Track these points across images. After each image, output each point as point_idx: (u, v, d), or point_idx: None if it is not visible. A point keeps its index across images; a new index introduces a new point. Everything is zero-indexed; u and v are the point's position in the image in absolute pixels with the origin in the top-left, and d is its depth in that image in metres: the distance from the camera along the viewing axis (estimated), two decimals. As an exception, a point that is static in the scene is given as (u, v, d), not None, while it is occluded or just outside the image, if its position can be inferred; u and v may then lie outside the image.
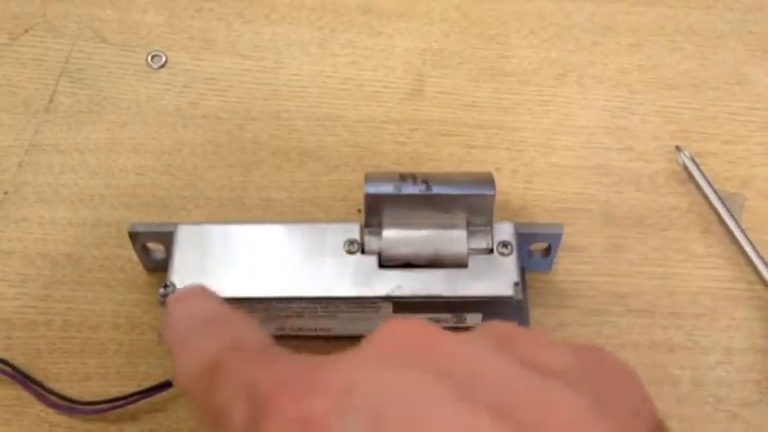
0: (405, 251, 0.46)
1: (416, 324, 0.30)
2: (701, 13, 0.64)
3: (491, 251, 0.47)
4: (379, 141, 0.58)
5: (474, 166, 0.56)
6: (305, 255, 0.47)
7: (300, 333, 0.48)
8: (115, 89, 0.60)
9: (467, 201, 0.47)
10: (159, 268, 0.50)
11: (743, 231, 0.52)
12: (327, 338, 0.49)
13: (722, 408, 0.48)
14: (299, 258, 0.47)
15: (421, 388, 0.27)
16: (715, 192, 0.53)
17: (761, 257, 0.51)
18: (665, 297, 0.51)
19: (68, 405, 0.47)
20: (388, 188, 0.47)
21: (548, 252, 0.50)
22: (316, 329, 0.48)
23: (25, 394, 0.48)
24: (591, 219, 0.54)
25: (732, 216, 0.52)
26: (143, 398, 0.47)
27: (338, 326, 0.48)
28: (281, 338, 0.49)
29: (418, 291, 0.46)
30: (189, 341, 0.35)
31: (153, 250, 0.50)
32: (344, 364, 0.29)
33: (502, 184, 0.48)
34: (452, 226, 0.47)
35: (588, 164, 0.56)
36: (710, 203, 0.53)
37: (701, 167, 0.54)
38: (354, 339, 0.49)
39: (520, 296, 0.45)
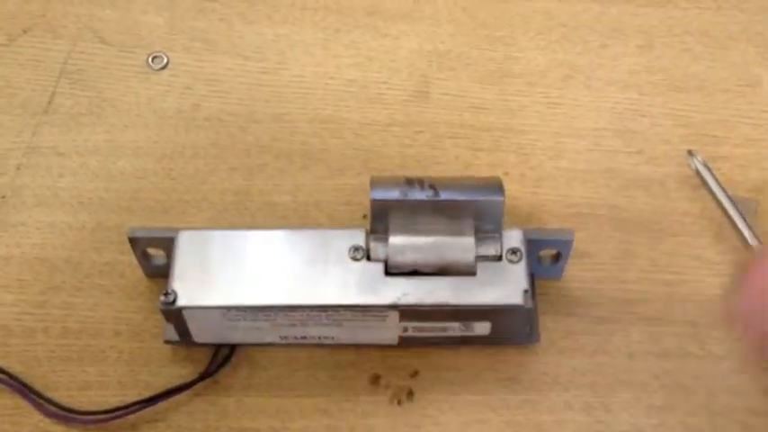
0: (411, 258, 0.45)
1: None
2: (711, 14, 0.63)
3: (500, 258, 0.46)
4: (383, 144, 0.57)
5: (481, 169, 0.55)
6: (309, 261, 0.46)
7: (304, 342, 0.47)
8: (115, 91, 0.59)
9: (475, 207, 0.46)
10: (160, 274, 0.49)
11: (756, 237, 0.51)
12: (332, 347, 0.48)
13: (735, 418, 0.47)
14: (303, 265, 0.46)
15: None
16: (728, 196, 0.52)
17: (774, 264, 0.50)
18: (677, 305, 0.50)
19: (67, 415, 0.46)
20: (394, 194, 0.46)
21: (557, 258, 0.49)
22: (320, 338, 0.47)
23: (23, 403, 0.47)
24: (600, 224, 0.53)
25: (745, 221, 0.51)
26: (144, 407, 0.46)
27: (343, 334, 0.47)
28: (285, 347, 0.48)
29: (425, 299, 0.44)
30: None
31: (153, 256, 0.49)
32: None
33: (510, 188, 0.47)
34: (460, 232, 0.46)
35: (597, 168, 0.55)
36: (723, 208, 0.52)
37: (713, 172, 0.53)
38: (360, 349, 0.48)
39: (530, 304, 0.44)
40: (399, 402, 0.47)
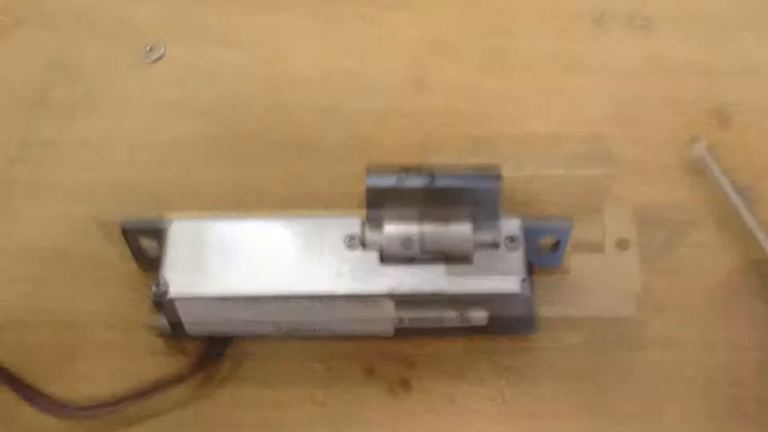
0: (407, 246, 0.45)
1: None
2: (712, 0, 0.62)
3: (497, 246, 0.45)
4: (380, 134, 0.56)
5: (479, 158, 0.54)
6: (304, 250, 0.45)
7: (299, 333, 0.47)
8: (110, 82, 0.58)
9: (472, 194, 0.45)
10: (154, 266, 0.48)
11: (758, 224, 0.50)
12: (327, 338, 0.47)
13: (735, 406, 0.46)
14: (298, 254, 0.45)
15: None
16: (730, 184, 0.51)
17: (777, 251, 0.49)
18: (678, 292, 0.50)
19: (60, 408, 0.46)
20: (389, 181, 0.45)
21: (556, 247, 0.48)
22: (315, 328, 0.46)
23: (15, 397, 0.46)
24: (600, 212, 0.52)
25: (748, 209, 0.50)
26: (136, 400, 0.46)
27: (338, 325, 0.46)
28: (279, 339, 0.47)
29: (421, 287, 0.44)
30: None
31: (146, 247, 0.49)
32: None
33: (509, 177, 0.46)
34: (457, 220, 0.45)
35: (598, 155, 0.55)
36: (725, 196, 0.51)
37: (715, 158, 0.53)
38: (355, 339, 0.48)
39: (527, 293, 0.44)
40: (395, 393, 0.47)
